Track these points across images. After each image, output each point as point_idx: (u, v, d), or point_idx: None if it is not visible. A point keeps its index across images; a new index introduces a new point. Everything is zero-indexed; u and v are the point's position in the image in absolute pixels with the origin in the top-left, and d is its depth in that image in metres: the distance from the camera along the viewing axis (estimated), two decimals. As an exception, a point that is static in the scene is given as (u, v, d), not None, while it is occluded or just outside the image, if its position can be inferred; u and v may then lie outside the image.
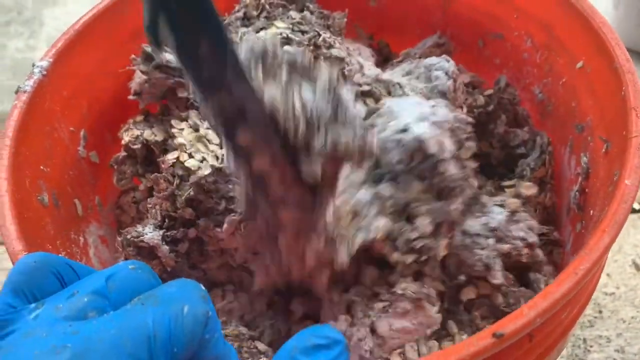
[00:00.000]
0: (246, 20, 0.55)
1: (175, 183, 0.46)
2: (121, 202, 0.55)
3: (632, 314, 0.63)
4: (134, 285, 0.31)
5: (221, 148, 0.48)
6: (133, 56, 0.53)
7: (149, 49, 0.52)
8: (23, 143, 0.47)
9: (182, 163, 0.47)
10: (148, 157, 0.54)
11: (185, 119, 0.50)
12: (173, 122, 0.50)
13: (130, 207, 0.55)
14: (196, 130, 0.49)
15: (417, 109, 0.46)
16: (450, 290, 0.46)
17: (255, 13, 0.56)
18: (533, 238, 0.46)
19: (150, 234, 0.46)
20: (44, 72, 0.50)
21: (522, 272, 0.47)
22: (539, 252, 0.47)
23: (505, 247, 0.45)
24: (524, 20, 0.56)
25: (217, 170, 0.46)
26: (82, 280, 0.31)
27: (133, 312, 0.29)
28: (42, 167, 0.49)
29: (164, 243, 0.47)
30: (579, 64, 0.50)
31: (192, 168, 0.46)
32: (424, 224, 0.43)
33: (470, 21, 0.61)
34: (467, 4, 0.61)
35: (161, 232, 0.47)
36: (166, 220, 0.47)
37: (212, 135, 0.49)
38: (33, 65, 0.51)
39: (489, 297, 0.46)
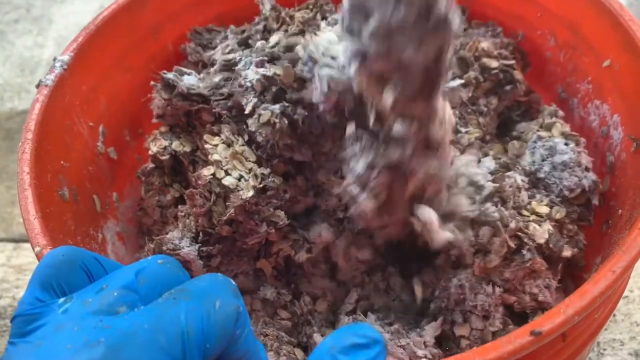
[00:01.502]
0: (266, 32, 0.54)
1: (212, 200, 0.46)
2: (145, 204, 0.55)
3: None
4: (164, 280, 0.31)
5: (259, 166, 0.48)
6: (153, 83, 0.52)
7: (169, 75, 0.51)
8: (45, 137, 0.47)
9: (219, 180, 0.46)
10: (175, 167, 0.54)
11: (218, 134, 0.49)
12: (206, 137, 0.48)
13: (155, 210, 0.54)
14: (229, 145, 0.48)
15: None
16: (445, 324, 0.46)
17: (275, 26, 0.56)
18: (546, 298, 0.45)
19: (187, 248, 0.46)
20: (65, 67, 0.50)
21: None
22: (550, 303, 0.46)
23: (512, 299, 0.45)
24: (547, 18, 0.56)
25: (259, 192, 0.46)
26: (110, 275, 0.31)
27: (165, 306, 0.28)
28: (62, 162, 0.48)
29: (199, 258, 0.46)
30: (606, 62, 0.50)
31: (230, 186, 0.45)
32: None
33: (492, 20, 0.60)
34: (489, 3, 0.60)
35: (197, 246, 0.46)
36: (200, 234, 0.47)
37: (248, 152, 0.48)
38: (54, 59, 0.50)
39: (481, 332, 0.45)
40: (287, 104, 0.46)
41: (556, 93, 0.58)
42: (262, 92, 0.47)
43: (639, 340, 0.60)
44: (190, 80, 0.51)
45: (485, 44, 0.56)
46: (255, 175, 0.46)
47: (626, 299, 0.64)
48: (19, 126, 0.88)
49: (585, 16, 0.52)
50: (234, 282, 0.31)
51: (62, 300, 0.29)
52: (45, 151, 0.46)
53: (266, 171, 0.47)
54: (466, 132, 0.54)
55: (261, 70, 0.47)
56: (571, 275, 0.49)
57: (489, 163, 0.51)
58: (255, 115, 0.46)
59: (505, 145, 0.54)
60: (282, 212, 0.47)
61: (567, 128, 0.50)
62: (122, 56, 0.56)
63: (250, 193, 0.45)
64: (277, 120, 0.46)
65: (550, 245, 0.44)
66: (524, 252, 0.43)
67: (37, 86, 0.49)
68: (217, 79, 0.51)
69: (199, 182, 0.46)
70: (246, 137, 0.49)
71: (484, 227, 0.44)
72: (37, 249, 0.40)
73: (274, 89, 0.46)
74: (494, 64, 0.55)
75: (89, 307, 0.28)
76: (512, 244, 0.43)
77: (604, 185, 0.49)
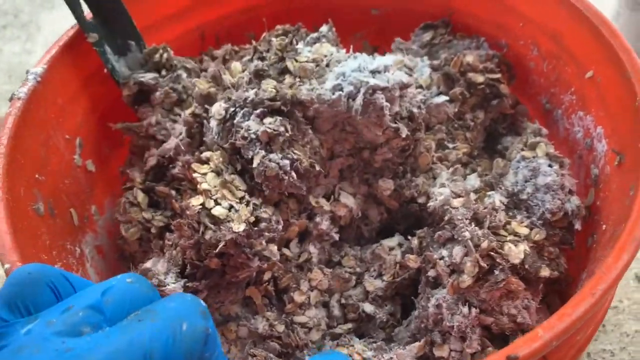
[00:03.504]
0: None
1: (201, 231, 0.44)
2: (126, 236, 0.53)
3: (636, 328, 0.61)
4: (132, 299, 0.30)
5: (251, 196, 0.47)
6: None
7: None
8: (18, 151, 0.46)
9: (209, 210, 0.44)
10: (155, 201, 0.53)
11: (207, 162, 0.48)
12: (194, 165, 0.47)
13: (134, 242, 0.53)
14: (218, 174, 0.47)
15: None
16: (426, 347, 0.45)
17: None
18: (525, 319, 0.44)
19: (172, 285, 0.44)
20: (38, 79, 0.49)
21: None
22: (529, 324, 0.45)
23: (489, 320, 0.44)
24: (530, 29, 0.55)
25: (250, 224, 0.44)
26: (77, 294, 0.31)
27: (129, 328, 0.28)
28: (37, 176, 0.47)
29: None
30: (589, 74, 0.49)
31: (220, 217, 0.44)
32: None
33: (474, 30, 0.60)
34: (471, 13, 0.60)
35: (183, 282, 0.45)
36: (188, 267, 0.45)
37: (238, 181, 0.47)
38: (27, 72, 0.49)
39: (460, 353, 0.44)
40: (295, 157, 0.46)
41: (540, 104, 0.57)
42: (268, 142, 0.46)
43: (629, 350, 0.59)
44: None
45: (470, 58, 0.55)
46: (247, 206, 0.45)
47: (615, 309, 0.63)
48: (6, 134, 0.87)
49: (566, 26, 0.51)
50: (203, 303, 0.30)
51: (25, 319, 0.29)
52: (18, 165, 0.46)
53: (258, 201, 0.46)
54: (454, 148, 0.54)
55: (267, 121, 0.46)
56: (557, 291, 0.48)
57: (474, 181, 0.50)
58: (261, 168, 0.45)
59: (492, 162, 0.53)
60: (275, 247, 0.46)
61: (551, 149, 0.50)
62: (99, 67, 0.55)
63: (242, 227, 0.43)
64: (285, 177, 0.45)
65: (526, 266, 0.43)
66: (497, 272, 0.42)
67: (10, 99, 0.48)
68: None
69: (187, 212, 0.45)
70: (238, 167, 0.48)
71: (457, 247, 0.44)
72: (6, 265, 0.39)
73: (281, 139, 0.46)
74: (479, 79, 0.55)
75: (53, 327, 0.28)
76: (483, 264, 0.42)
77: (588, 198, 0.48)
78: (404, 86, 0.49)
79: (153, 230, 0.51)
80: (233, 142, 0.47)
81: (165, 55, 0.56)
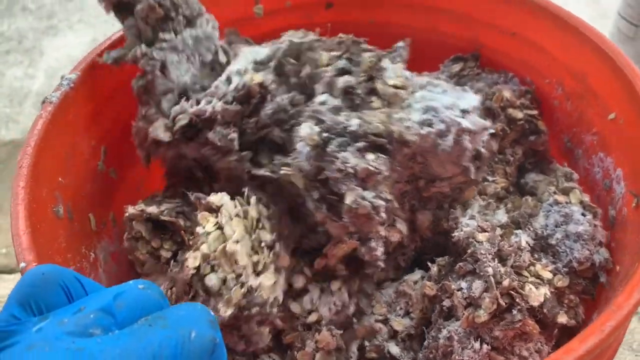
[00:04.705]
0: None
1: (190, 295, 0.41)
2: (137, 255, 0.51)
3: (631, 358, 0.61)
4: (143, 305, 0.30)
5: (270, 249, 0.43)
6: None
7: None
8: (44, 153, 0.46)
9: (203, 278, 0.41)
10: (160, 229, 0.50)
11: (216, 211, 0.44)
12: (201, 215, 0.44)
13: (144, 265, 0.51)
14: (221, 228, 0.43)
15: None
16: None
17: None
18: None
19: None
20: (72, 85, 0.50)
21: None
22: None
23: (499, 358, 0.43)
24: (556, 67, 0.56)
25: (240, 308, 0.41)
26: (90, 296, 0.31)
27: (140, 332, 0.28)
28: (60, 179, 0.48)
29: None
30: (611, 115, 0.49)
31: (213, 288, 0.41)
32: None
33: (501, 66, 0.60)
34: (499, 49, 0.60)
35: None
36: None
37: (241, 252, 0.42)
38: (62, 77, 0.51)
39: None
40: (389, 197, 0.44)
41: (562, 142, 0.57)
42: (364, 179, 0.43)
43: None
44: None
45: (507, 93, 0.55)
46: (242, 285, 0.42)
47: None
48: (6, 156, 0.87)
49: (591, 66, 0.52)
50: (212, 313, 0.30)
51: (37, 318, 0.29)
52: (43, 167, 0.46)
53: (264, 278, 0.43)
54: (493, 181, 0.53)
55: (370, 158, 0.43)
56: (570, 337, 0.48)
57: (501, 216, 0.50)
58: (355, 206, 0.43)
59: (521, 199, 0.52)
60: (267, 330, 0.43)
61: (586, 197, 0.49)
62: (128, 78, 0.56)
63: (229, 312, 0.41)
64: (376, 217, 0.43)
65: (545, 310, 0.43)
66: (514, 312, 0.42)
67: (43, 102, 0.49)
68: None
69: (182, 273, 0.42)
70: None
71: (477, 281, 0.43)
72: (22, 264, 0.40)
73: (379, 177, 0.43)
74: (519, 114, 0.55)
75: (64, 327, 0.28)
76: (502, 302, 0.42)
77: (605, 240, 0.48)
78: (485, 130, 0.48)
79: (162, 260, 0.49)
80: (325, 177, 0.43)
81: None
